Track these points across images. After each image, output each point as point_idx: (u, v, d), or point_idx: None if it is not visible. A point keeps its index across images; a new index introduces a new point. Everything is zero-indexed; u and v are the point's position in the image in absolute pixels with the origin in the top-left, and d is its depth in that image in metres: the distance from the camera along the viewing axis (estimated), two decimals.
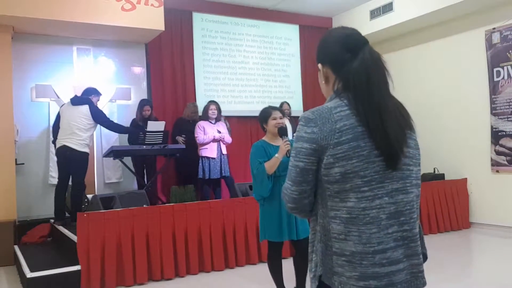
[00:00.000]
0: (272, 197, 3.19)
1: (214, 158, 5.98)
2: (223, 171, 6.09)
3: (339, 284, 1.31)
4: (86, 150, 5.26)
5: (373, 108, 1.28)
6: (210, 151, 5.98)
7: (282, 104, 7.16)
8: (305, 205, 1.38)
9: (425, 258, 1.44)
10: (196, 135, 6.03)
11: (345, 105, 1.32)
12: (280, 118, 3.29)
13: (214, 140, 6.02)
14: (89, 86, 5.65)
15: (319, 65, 1.46)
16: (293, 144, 1.37)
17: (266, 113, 3.34)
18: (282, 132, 3.25)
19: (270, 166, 3.14)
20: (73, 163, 5.18)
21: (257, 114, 7.86)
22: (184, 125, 6.38)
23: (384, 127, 1.28)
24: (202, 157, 5.99)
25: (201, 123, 6.06)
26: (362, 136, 1.28)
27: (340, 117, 1.30)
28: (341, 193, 1.30)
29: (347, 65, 1.35)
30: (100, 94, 5.63)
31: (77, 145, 5.16)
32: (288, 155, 3.11)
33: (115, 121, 6.56)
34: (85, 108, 5.26)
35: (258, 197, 3.26)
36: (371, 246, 1.28)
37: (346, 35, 1.40)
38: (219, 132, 6.10)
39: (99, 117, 5.33)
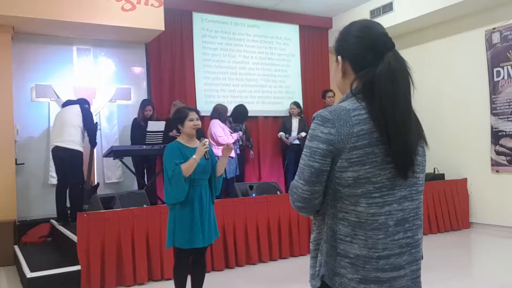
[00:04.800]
0: (186, 201, 3.04)
1: (232, 158, 6.03)
2: (237, 170, 6.19)
3: (339, 285, 1.31)
4: (78, 148, 5.29)
5: (398, 117, 1.25)
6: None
7: (291, 104, 7.27)
8: (315, 205, 1.35)
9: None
10: (219, 135, 5.99)
11: (363, 108, 1.29)
12: (197, 120, 3.17)
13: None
14: (83, 97, 5.77)
15: (339, 58, 1.40)
16: (307, 143, 1.33)
17: (182, 114, 3.18)
18: (200, 133, 3.16)
19: (187, 168, 2.99)
20: (66, 162, 5.23)
21: (257, 114, 7.96)
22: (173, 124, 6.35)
23: (406, 138, 1.26)
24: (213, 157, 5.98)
25: (219, 122, 6.08)
26: (377, 142, 1.26)
27: (358, 121, 1.27)
28: (352, 197, 1.29)
29: (369, 67, 1.30)
30: (90, 107, 5.77)
31: (68, 143, 5.21)
32: (206, 157, 3.05)
33: (115, 121, 6.62)
34: (76, 107, 5.40)
35: (170, 201, 3.08)
36: (376, 251, 1.28)
37: (375, 34, 1.33)
38: (238, 129, 6.20)
39: (88, 118, 5.40)
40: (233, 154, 6.00)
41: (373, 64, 1.30)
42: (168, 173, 3.03)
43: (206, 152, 3.05)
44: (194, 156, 3.03)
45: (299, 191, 1.33)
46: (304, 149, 1.34)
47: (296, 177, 1.36)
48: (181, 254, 3.16)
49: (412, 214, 1.33)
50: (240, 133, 6.31)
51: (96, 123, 5.94)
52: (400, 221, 1.30)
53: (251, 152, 6.92)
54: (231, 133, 6.24)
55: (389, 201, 1.28)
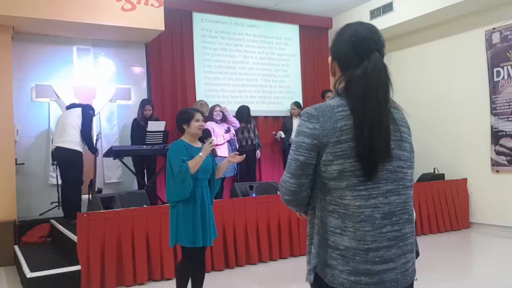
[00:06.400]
0: (188, 200, 3.07)
1: (226, 157, 6.07)
2: (234, 170, 6.19)
3: (331, 276, 1.34)
4: (78, 148, 5.37)
5: (366, 121, 1.29)
6: (223, 150, 6.05)
7: (291, 104, 7.30)
8: (302, 198, 1.41)
9: (417, 254, 1.47)
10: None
11: (346, 105, 1.34)
12: (202, 121, 3.24)
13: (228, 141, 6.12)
14: (88, 104, 5.84)
15: (329, 58, 1.48)
16: (294, 139, 1.40)
17: (189, 114, 3.22)
18: (206, 133, 3.27)
19: (194, 164, 3.04)
20: (67, 162, 5.31)
21: (257, 114, 7.98)
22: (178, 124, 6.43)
23: (371, 142, 1.29)
24: (217, 156, 6.02)
25: (209, 124, 6.12)
26: None
27: (341, 117, 1.32)
28: (338, 190, 1.33)
29: (352, 68, 1.36)
30: (94, 115, 5.85)
31: (68, 144, 5.29)
32: (213, 154, 3.10)
33: (115, 121, 6.63)
34: (78, 110, 5.48)
35: (174, 199, 3.10)
36: (365, 243, 1.31)
37: (360, 37, 1.39)
38: (229, 129, 6.18)
39: (86, 121, 5.46)
40: (226, 154, 6.02)
41: (356, 65, 1.35)
42: (175, 169, 3.04)
43: (212, 150, 3.13)
44: (200, 154, 3.10)
45: (287, 184, 1.40)
46: (292, 145, 1.41)
47: (284, 171, 1.42)
48: (188, 253, 3.16)
49: (399, 208, 1.36)
50: (232, 133, 6.28)
51: (99, 133, 6.00)
52: (387, 215, 1.34)
53: (257, 152, 6.91)
54: (226, 132, 6.24)
55: (374, 194, 1.32)
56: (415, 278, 1.43)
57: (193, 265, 3.22)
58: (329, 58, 1.48)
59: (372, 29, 1.42)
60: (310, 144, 1.34)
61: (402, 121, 1.43)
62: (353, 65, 1.36)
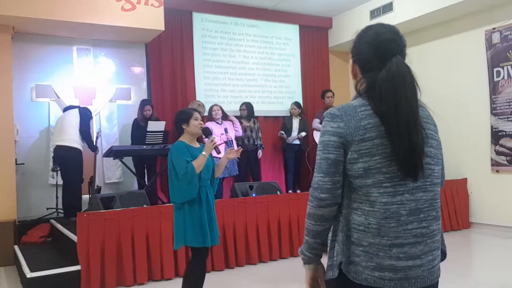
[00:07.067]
0: (194, 200, 3.05)
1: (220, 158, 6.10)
2: (231, 171, 6.18)
3: (354, 273, 1.35)
4: (77, 146, 5.46)
5: (401, 124, 1.30)
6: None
7: (291, 104, 7.28)
8: (338, 195, 1.39)
9: (443, 255, 1.50)
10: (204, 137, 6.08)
11: (368, 104, 1.36)
12: (201, 119, 3.22)
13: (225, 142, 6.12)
14: (85, 107, 5.91)
15: (350, 61, 1.49)
16: (319, 139, 1.40)
17: (187, 114, 3.19)
18: (206, 132, 3.25)
19: (198, 164, 3.01)
20: (66, 160, 5.38)
21: (257, 114, 7.97)
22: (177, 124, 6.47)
23: (411, 143, 1.30)
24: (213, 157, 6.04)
25: (208, 124, 6.12)
26: (385, 134, 1.32)
27: (364, 116, 1.34)
28: (363, 188, 1.34)
29: (374, 71, 1.37)
30: (91, 117, 5.93)
31: (68, 142, 5.38)
32: (217, 152, 3.10)
33: (115, 121, 6.63)
34: (75, 110, 5.62)
35: (181, 200, 3.05)
36: (389, 239, 1.32)
37: (381, 39, 1.39)
38: (226, 131, 6.16)
39: (84, 120, 5.57)
40: (221, 155, 6.03)
41: (378, 68, 1.36)
42: (180, 171, 2.99)
43: (214, 148, 3.13)
44: (203, 153, 3.07)
45: (321, 184, 1.38)
46: (318, 146, 1.40)
47: (314, 173, 1.41)
48: (199, 253, 3.11)
49: (427, 205, 1.37)
50: (229, 135, 6.25)
51: (99, 131, 6.02)
52: (414, 211, 1.34)
53: (259, 151, 6.87)
54: (223, 134, 6.23)
55: (400, 191, 1.33)
56: None
57: (205, 265, 3.17)
58: (350, 61, 1.49)
59: (393, 30, 1.43)
60: (337, 141, 1.35)
61: (428, 118, 1.45)
62: (374, 68, 1.37)
